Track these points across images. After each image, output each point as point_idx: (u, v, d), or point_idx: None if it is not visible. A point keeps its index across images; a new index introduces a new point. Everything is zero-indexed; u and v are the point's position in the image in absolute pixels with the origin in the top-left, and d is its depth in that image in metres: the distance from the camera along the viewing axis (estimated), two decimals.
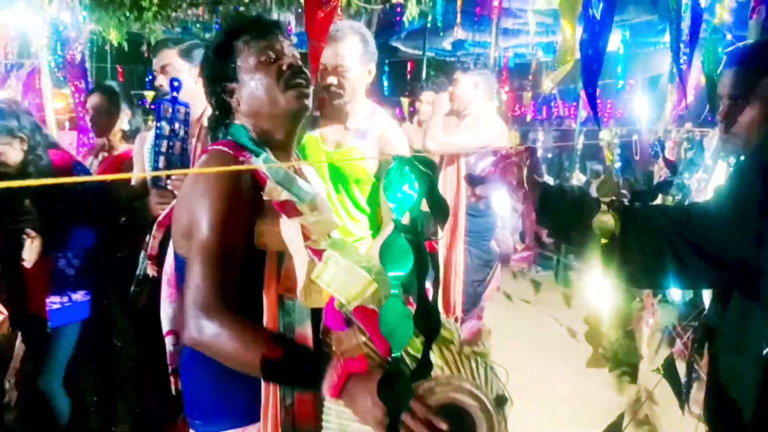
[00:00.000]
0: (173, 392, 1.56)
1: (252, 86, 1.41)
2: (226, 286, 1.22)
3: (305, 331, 1.36)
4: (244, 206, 1.29)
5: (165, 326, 1.53)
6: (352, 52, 2.19)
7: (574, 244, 1.39)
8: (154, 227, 1.62)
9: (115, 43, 8.46)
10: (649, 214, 1.32)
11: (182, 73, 2.44)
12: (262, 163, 1.31)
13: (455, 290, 3.28)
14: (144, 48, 9.10)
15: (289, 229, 1.28)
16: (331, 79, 2.18)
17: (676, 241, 1.23)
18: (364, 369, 1.12)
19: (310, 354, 1.23)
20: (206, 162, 1.36)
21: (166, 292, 1.52)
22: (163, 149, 2.10)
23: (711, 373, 1.50)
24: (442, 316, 1.45)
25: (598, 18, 1.36)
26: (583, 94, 4.51)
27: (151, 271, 1.75)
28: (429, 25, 7.98)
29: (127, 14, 7.59)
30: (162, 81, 2.45)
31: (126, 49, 8.92)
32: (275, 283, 1.31)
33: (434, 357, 1.25)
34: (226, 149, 1.36)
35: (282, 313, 1.32)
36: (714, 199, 1.37)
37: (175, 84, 2.15)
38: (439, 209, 0.92)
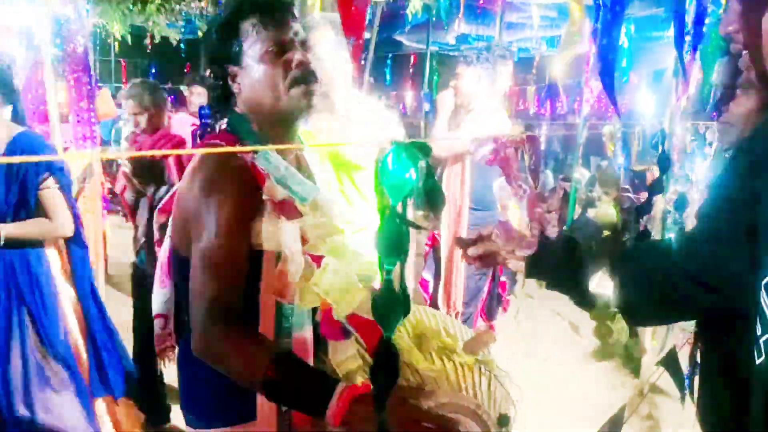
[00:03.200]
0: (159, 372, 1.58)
1: (256, 76, 1.32)
2: (232, 295, 1.19)
3: (304, 335, 1.34)
4: (246, 206, 1.24)
5: (155, 309, 1.54)
6: (323, 40, 2.20)
7: (570, 291, 1.31)
8: (155, 214, 1.63)
9: (118, 37, 8.48)
10: (641, 249, 1.28)
11: None
12: (263, 161, 1.26)
13: (456, 284, 3.27)
14: (147, 41, 9.11)
15: (286, 231, 1.24)
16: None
17: (671, 273, 1.19)
18: (367, 390, 1.04)
19: (314, 380, 1.12)
20: (203, 156, 1.29)
21: (159, 277, 1.52)
22: None
23: (703, 372, 1.49)
24: (448, 321, 1.43)
25: (609, 6, 1.34)
26: (588, 87, 4.49)
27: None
28: (433, 19, 7.96)
29: (131, 7, 7.61)
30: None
31: (129, 42, 8.93)
32: (272, 285, 1.27)
33: (435, 367, 1.22)
34: (223, 144, 1.32)
35: (280, 317, 1.29)
36: (701, 213, 1.33)
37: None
38: (436, 197, 0.91)
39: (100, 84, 7.71)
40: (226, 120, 1.40)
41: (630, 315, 1.25)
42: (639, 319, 1.25)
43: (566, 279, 1.27)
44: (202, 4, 8.10)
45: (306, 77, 1.34)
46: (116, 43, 10.07)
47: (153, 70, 13.59)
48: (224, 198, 1.21)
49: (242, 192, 1.24)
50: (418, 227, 0.88)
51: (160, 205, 1.60)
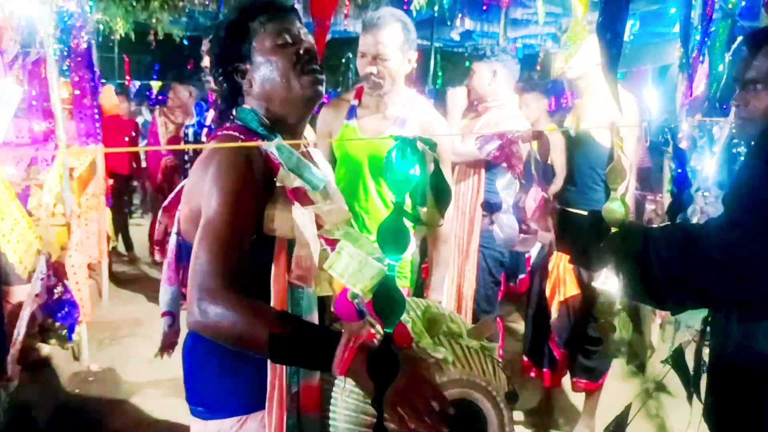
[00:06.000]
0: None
1: (266, 69, 1.38)
2: (230, 268, 1.19)
3: (313, 319, 1.36)
4: (255, 191, 1.26)
5: (162, 307, 1.54)
6: (393, 40, 2.16)
7: (594, 269, 1.34)
8: (160, 213, 1.63)
9: (121, 33, 8.49)
10: (668, 233, 1.29)
11: None
12: (276, 150, 1.30)
13: (467, 294, 3.16)
14: (151, 38, 9.12)
15: (302, 217, 1.27)
16: (371, 69, 2.15)
17: (697, 259, 1.20)
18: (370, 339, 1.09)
19: (318, 332, 1.20)
20: (215, 147, 1.32)
21: (165, 274, 1.52)
22: None
23: (712, 367, 1.48)
24: (452, 310, 1.44)
25: (615, 0, 1.33)
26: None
27: (158, 257, 1.77)
28: (436, 15, 7.94)
29: (134, 4, 7.62)
30: (207, 62, 2.60)
31: (133, 38, 8.93)
32: (284, 271, 1.29)
33: (444, 350, 1.25)
34: (236, 134, 1.35)
35: (291, 301, 1.31)
36: (726, 204, 1.32)
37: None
38: (442, 193, 0.90)
39: (103, 80, 7.71)
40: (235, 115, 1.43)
41: (652, 297, 1.27)
42: (661, 302, 1.27)
43: (591, 255, 1.28)
44: (205, 0, 8.09)
45: (314, 66, 1.39)
46: (119, 40, 10.06)
47: (156, 67, 13.59)
48: (231, 178, 1.24)
49: (252, 175, 1.27)
50: (422, 223, 0.87)
51: (164, 205, 1.60)
